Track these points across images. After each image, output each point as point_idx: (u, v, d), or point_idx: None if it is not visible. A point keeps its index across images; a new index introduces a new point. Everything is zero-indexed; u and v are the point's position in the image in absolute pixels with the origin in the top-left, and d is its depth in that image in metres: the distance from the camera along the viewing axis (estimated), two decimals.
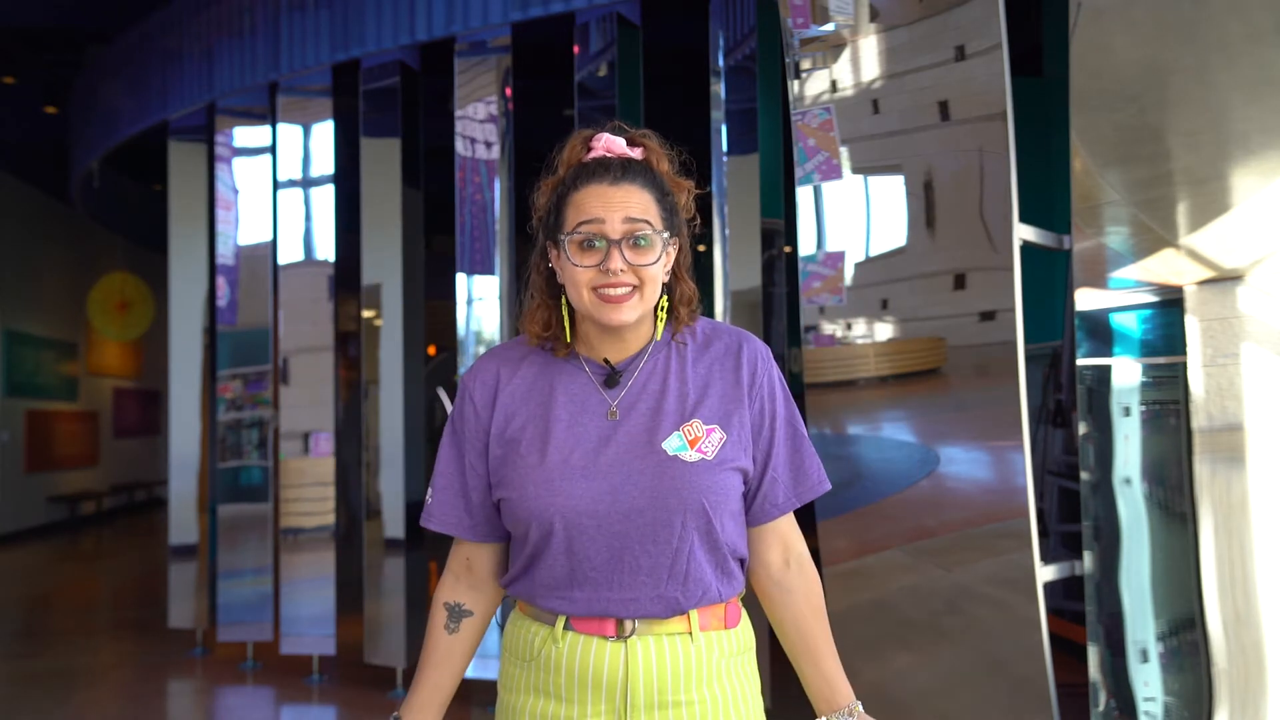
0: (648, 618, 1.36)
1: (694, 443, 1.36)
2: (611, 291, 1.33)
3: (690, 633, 1.38)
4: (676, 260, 1.41)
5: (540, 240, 1.42)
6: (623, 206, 1.33)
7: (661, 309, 1.41)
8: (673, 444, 1.36)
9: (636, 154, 1.40)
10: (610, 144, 1.39)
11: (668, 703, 1.36)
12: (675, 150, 1.45)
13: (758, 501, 1.43)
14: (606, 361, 1.41)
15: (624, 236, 1.33)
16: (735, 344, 1.44)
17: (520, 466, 1.37)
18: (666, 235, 1.37)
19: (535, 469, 1.36)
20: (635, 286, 1.34)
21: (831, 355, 3.17)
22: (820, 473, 1.47)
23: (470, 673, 4.60)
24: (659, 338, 1.42)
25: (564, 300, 1.41)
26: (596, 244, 1.33)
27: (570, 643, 1.37)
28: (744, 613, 1.46)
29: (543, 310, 1.43)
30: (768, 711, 1.50)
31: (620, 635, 1.36)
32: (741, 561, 1.44)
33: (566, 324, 1.41)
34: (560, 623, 1.38)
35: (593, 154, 1.39)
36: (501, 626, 1.53)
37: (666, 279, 1.40)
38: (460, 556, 1.49)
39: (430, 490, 1.48)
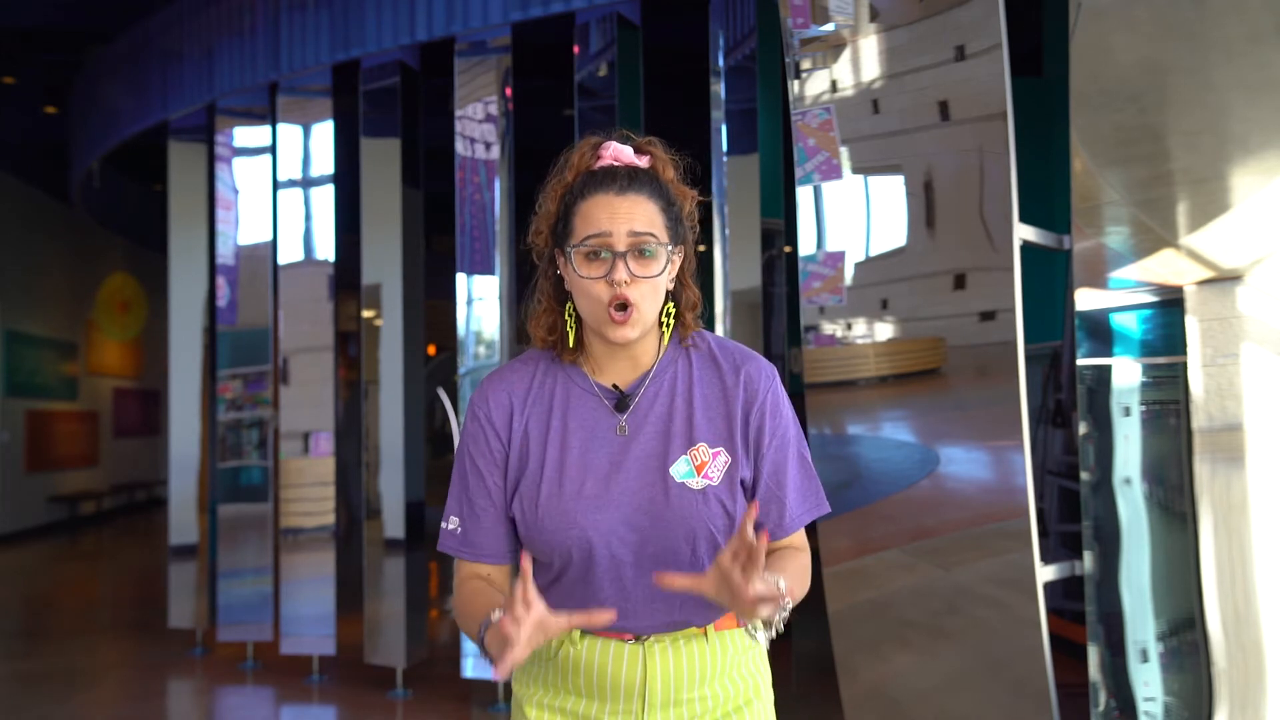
0: (662, 634, 1.40)
1: (700, 468, 1.37)
2: (617, 313, 1.34)
3: (705, 634, 1.42)
4: (681, 266, 1.42)
5: (549, 246, 1.42)
6: (628, 218, 1.34)
7: (667, 316, 1.42)
8: (680, 469, 1.37)
9: (643, 162, 1.41)
10: (618, 153, 1.40)
11: (683, 699, 1.40)
12: (680, 156, 1.46)
13: (768, 523, 1.42)
14: (616, 387, 1.42)
15: (629, 248, 1.34)
16: (737, 364, 1.43)
17: (537, 496, 1.38)
18: (670, 247, 1.38)
19: (552, 498, 1.38)
20: (635, 306, 1.34)
21: (831, 355, 3.17)
22: (822, 494, 1.47)
23: (470, 672, 4.61)
24: (665, 352, 1.43)
25: (569, 308, 1.42)
26: (603, 255, 1.34)
27: (588, 646, 1.40)
28: None
29: (549, 315, 1.44)
30: None
31: (638, 639, 1.40)
32: None
33: (570, 331, 1.43)
34: (577, 630, 1.40)
35: (601, 162, 1.40)
36: None
37: (671, 286, 1.41)
38: (481, 573, 1.45)
39: (457, 521, 1.43)
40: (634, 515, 1.36)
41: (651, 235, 1.35)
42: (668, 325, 1.42)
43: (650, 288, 1.36)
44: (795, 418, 1.46)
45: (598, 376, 1.43)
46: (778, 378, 1.45)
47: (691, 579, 1.27)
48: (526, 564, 1.22)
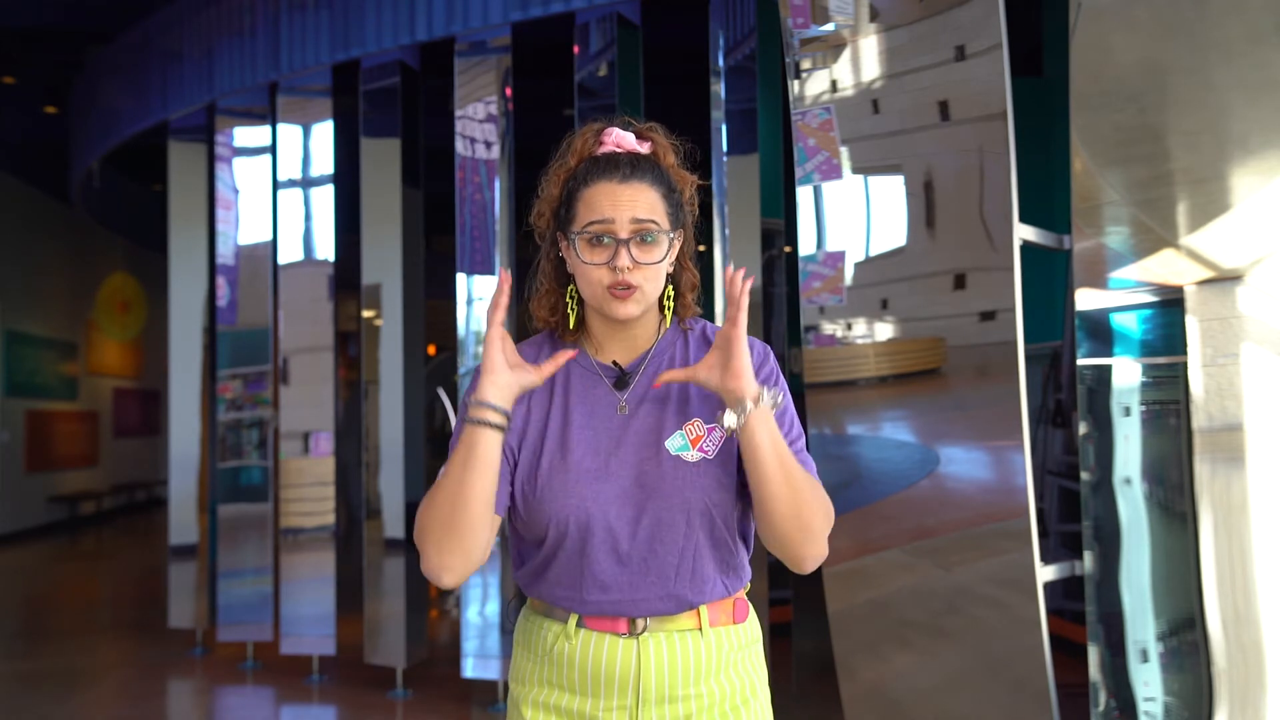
0: (658, 615, 1.40)
1: (695, 441, 1.39)
2: (619, 290, 1.37)
3: (700, 629, 1.42)
4: (680, 249, 1.45)
5: (551, 229, 1.45)
6: (630, 205, 1.37)
7: (667, 299, 1.45)
8: (675, 443, 1.39)
9: (645, 148, 1.44)
10: (620, 139, 1.43)
11: (678, 696, 1.41)
12: (680, 141, 1.49)
13: None
14: (616, 364, 1.45)
15: (632, 235, 1.37)
16: None
17: (537, 468, 1.41)
18: (671, 233, 1.40)
19: (554, 472, 1.39)
20: (638, 286, 1.38)
21: (831, 355, 3.17)
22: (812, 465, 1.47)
23: (470, 672, 4.61)
24: (664, 333, 1.47)
25: (571, 290, 1.45)
26: (605, 241, 1.37)
27: (583, 640, 1.41)
28: (750, 607, 1.50)
29: (550, 295, 1.47)
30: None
31: (632, 633, 1.40)
32: (747, 542, 1.47)
33: (572, 312, 1.46)
34: (573, 621, 1.42)
35: (603, 148, 1.43)
36: (513, 625, 1.54)
37: (671, 270, 1.44)
38: None
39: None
40: (630, 489, 1.38)
41: (653, 222, 1.38)
42: (669, 307, 1.46)
43: (653, 272, 1.38)
44: (789, 392, 1.47)
45: (598, 355, 1.46)
46: (772, 354, 1.48)
47: (684, 371, 1.35)
48: (506, 277, 1.30)
